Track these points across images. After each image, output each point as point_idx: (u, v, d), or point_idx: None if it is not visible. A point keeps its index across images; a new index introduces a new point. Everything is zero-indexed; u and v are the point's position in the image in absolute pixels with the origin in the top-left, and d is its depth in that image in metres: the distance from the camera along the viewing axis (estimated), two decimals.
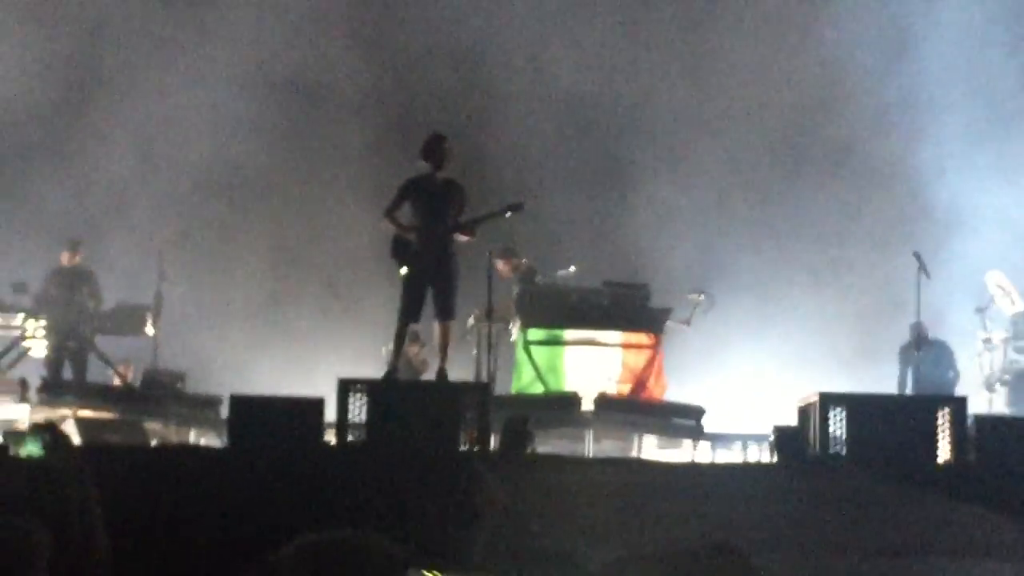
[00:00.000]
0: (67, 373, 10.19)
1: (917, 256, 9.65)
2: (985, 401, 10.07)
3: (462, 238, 8.41)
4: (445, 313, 8.26)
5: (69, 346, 9.96)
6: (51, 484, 2.71)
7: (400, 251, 8.33)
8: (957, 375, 10.44)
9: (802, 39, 12.32)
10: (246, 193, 12.24)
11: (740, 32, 12.45)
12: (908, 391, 10.32)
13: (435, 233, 8.24)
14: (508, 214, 8.78)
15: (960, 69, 12.18)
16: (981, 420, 7.88)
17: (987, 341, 10.45)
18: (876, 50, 12.42)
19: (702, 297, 9.93)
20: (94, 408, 9.04)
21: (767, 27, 12.43)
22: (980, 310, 10.54)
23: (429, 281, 8.22)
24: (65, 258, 10.16)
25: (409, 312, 8.29)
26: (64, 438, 3.00)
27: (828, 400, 7.72)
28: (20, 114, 11.80)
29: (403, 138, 11.12)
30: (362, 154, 12.14)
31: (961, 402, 7.94)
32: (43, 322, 9.92)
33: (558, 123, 12.46)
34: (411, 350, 10.11)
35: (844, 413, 7.62)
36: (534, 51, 12.24)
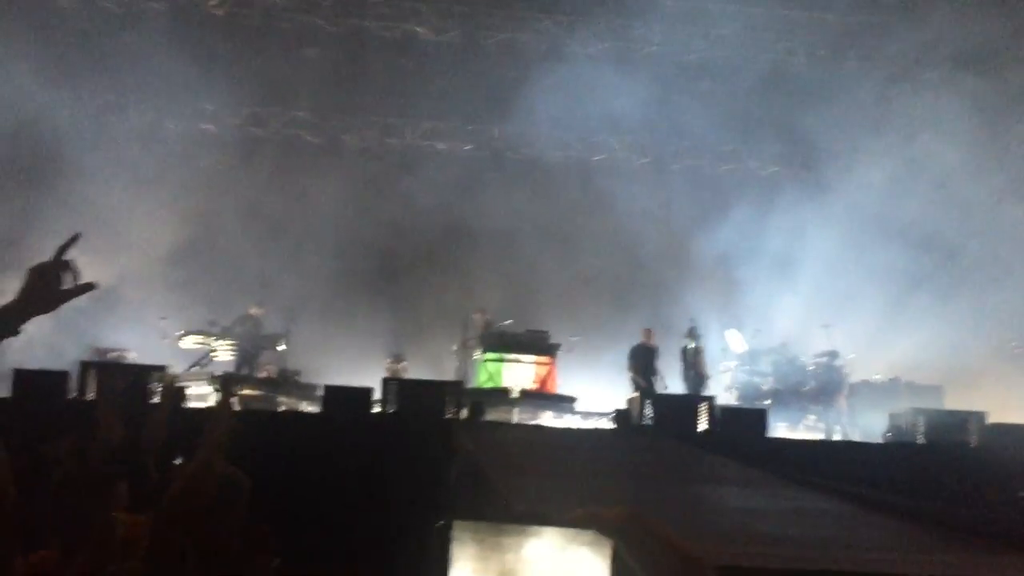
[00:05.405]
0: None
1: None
2: (724, 399, 11.98)
3: None
4: None
5: (244, 358, 12.10)
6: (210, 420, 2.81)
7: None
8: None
9: None
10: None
11: None
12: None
13: None
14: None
15: None
16: (722, 408, 10.33)
17: (726, 367, 13.01)
18: None
19: (576, 338, 12.88)
20: (252, 389, 10.98)
21: None
22: (724, 350, 13.09)
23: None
24: (253, 311, 12.51)
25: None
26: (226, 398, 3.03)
27: (644, 395, 10.23)
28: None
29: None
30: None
31: (711, 398, 10.41)
32: (226, 342, 12.12)
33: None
34: (398, 364, 12.71)
35: (651, 403, 10.17)
36: None
